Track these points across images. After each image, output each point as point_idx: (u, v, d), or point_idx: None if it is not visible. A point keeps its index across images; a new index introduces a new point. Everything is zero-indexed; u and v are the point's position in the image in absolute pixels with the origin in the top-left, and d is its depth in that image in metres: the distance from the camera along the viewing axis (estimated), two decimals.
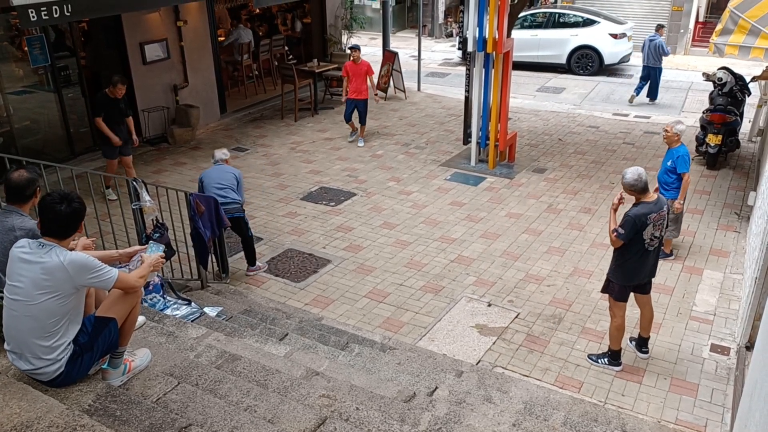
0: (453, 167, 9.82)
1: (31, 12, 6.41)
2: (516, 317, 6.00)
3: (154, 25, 10.46)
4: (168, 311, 5.13)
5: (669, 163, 6.62)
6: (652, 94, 13.18)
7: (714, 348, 5.50)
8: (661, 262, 6.80)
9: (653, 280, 6.46)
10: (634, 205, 4.89)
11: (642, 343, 5.44)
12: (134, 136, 8.41)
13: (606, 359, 5.30)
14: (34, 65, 9.04)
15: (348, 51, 11.67)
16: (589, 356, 5.41)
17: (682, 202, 6.64)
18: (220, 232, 6.19)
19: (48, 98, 9.41)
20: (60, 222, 3.09)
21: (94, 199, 5.97)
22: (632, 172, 4.85)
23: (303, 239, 7.59)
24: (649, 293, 5.29)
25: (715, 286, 6.46)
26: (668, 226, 5.12)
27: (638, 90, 13.20)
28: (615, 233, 4.85)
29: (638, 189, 4.85)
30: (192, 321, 5.00)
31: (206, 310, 5.38)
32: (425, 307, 6.18)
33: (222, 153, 6.81)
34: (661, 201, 4.92)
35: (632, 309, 5.34)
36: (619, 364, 5.27)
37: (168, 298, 5.39)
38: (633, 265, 4.96)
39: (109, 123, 8.03)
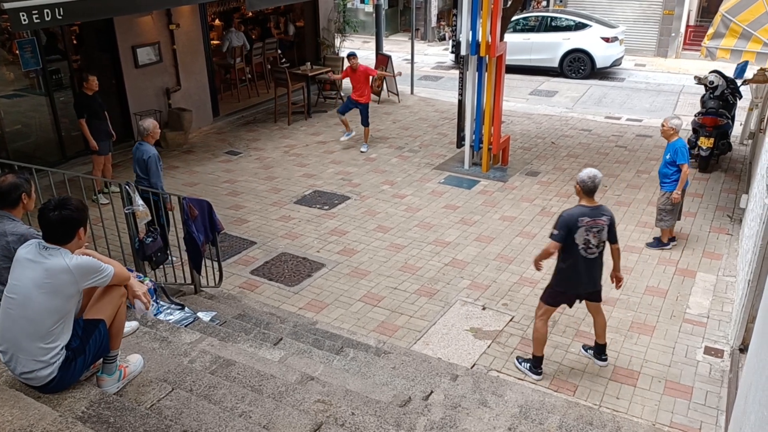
0: (446, 170, 9.83)
1: (23, 15, 6.37)
2: (510, 320, 6.00)
3: (147, 29, 10.43)
4: (161, 316, 5.09)
5: (668, 156, 6.89)
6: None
7: (708, 350, 5.52)
8: (654, 264, 6.91)
9: (648, 284, 6.51)
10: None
11: (599, 351, 5.34)
12: (111, 131, 8.63)
13: (528, 365, 5.24)
14: (26, 69, 8.99)
15: (342, 55, 11.65)
16: (517, 358, 5.37)
17: (679, 192, 6.85)
18: (213, 237, 6.16)
19: (39, 102, 9.35)
20: (51, 228, 3.08)
21: (85, 203, 5.91)
22: (589, 170, 4.84)
23: (297, 243, 7.56)
24: (598, 302, 5.18)
25: (709, 288, 6.49)
26: (609, 236, 4.93)
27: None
28: (550, 236, 4.86)
29: (586, 188, 4.82)
30: (185, 326, 4.96)
31: (200, 314, 5.35)
32: (420, 311, 6.17)
33: (144, 125, 6.50)
34: (601, 210, 4.84)
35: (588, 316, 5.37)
36: (538, 373, 5.17)
37: (161, 302, 5.36)
38: (569, 272, 4.91)
39: (94, 119, 8.26)
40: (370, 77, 10.58)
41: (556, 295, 5.06)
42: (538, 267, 5.16)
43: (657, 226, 7.27)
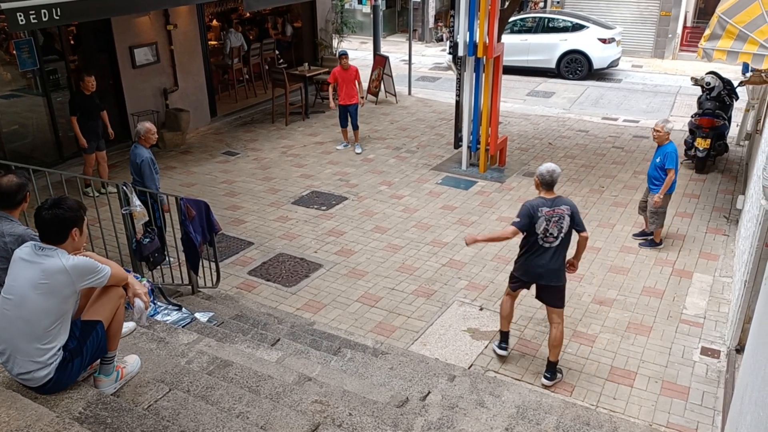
0: (444, 171, 9.84)
1: (20, 15, 6.36)
2: None
3: (144, 29, 10.42)
4: (158, 317, 5.09)
5: (658, 160, 6.97)
6: None
7: (704, 351, 5.53)
8: (651, 264, 6.93)
9: (645, 285, 6.52)
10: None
11: (547, 368, 5.14)
12: (110, 130, 8.70)
13: (497, 342, 5.45)
14: (23, 69, 8.98)
15: (337, 56, 11.64)
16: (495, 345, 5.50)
17: (661, 196, 6.96)
18: (211, 237, 6.16)
19: (36, 102, 9.34)
20: (45, 227, 3.09)
21: (82, 204, 5.91)
22: (548, 165, 5.00)
23: (294, 243, 7.56)
24: (558, 309, 5.07)
25: (705, 289, 6.51)
26: (569, 226, 5.02)
27: None
28: (512, 223, 5.02)
29: (544, 182, 4.96)
30: (183, 327, 4.96)
31: (197, 315, 5.35)
32: (417, 312, 6.18)
33: (138, 128, 6.46)
34: (560, 201, 4.95)
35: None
36: (502, 348, 5.38)
37: (158, 303, 5.35)
38: (527, 259, 5.04)
39: (87, 119, 8.31)
40: (356, 82, 10.50)
41: (515, 280, 5.23)
42: (470, 241, 5.30)
43: (649, 229, 7.31)
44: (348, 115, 10.61)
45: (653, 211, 7.14)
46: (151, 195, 6.30)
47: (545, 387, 5.10)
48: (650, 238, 7.39)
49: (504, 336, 5.40)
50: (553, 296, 5.08)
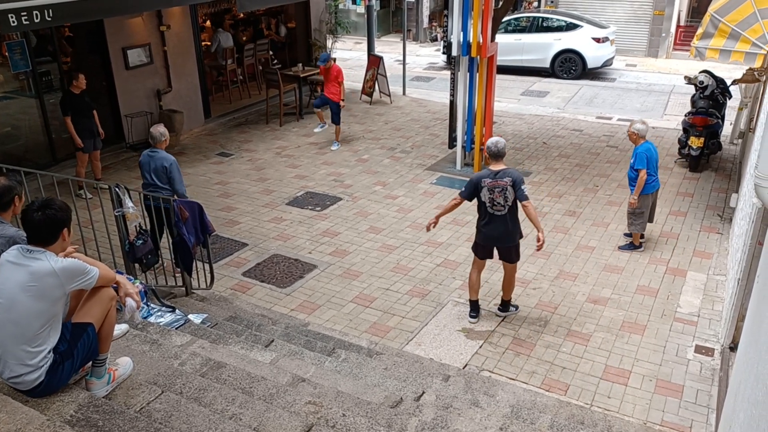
0: (438, 171, 9.83)
1: (11, 17, 6.33)
2: (502, 320, 6.00)
3: (137, 30, 10.39)
4: (152, 319, 5.08)
5: (632, 161, 6.99)
6: None
7: (698, 349, 5.54)
8: (645, 263, 6.94)
9: (639, 283, 6.54)
10: None
11: (502, 306, 6.04)
12: (100, 129, 8.73)
13: (469, 311, 5.94)
14: (15, 71, 8.94)
15: (334, 56, 11.65)
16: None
17: (635, 197, 6.93)
18: (205, 238, 6.14)
19: (29, 104, 9.30)
20: (36, 229, 3.07)
21: (75, 206, 5.87)
22: (494, 138, 5.59)
23: (289, 244, 7.55)
24: (513, 263, 5.80)
25: (699, 287, 6.52)
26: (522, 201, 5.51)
27: None
28: (458, 193, 5.72)
29: (491, 153, 5.53)
30: (176, 328, 4.95)
31: (191, 317, 5.33)
32: (412, 312, 6.17)
33: (159, 130, 6.43)
34: (504, 173, 5.45)
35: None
36: (472, 316, 5.91)
37: (152, 305, 5.34)
38: (482, 226, 5.66)
39: (79, 118, 8.31)
40: (340, 82, 10.62)
41: (477, 247, 5.84)
42: (432, 223, 5.89)
43: (629, 230, 7.30)
44: (326, 103, 10.72)
45: (630, 212, 7.11)
46: (164, 199, 6.21)
47: (498, 315, 5.99)
48: (631, 240, 7.36)
49: (473, 304, 5.93)
50: (510, 253, 5.75)
